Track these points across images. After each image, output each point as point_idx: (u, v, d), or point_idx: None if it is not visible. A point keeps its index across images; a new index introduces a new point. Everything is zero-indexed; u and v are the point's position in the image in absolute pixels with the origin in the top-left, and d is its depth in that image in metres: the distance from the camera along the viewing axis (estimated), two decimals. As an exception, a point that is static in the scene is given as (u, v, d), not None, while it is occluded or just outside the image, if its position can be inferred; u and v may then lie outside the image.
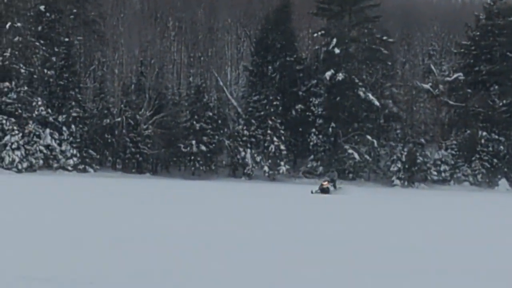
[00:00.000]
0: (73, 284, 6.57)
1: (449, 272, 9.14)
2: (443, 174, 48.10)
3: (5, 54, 48.27)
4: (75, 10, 52.10)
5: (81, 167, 47.64)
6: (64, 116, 47.99)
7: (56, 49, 48.66)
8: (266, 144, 47.73)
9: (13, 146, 47.16)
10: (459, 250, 12.31)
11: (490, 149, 48.02)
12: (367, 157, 48.25)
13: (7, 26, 48.70)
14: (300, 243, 11.82)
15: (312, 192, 32.20)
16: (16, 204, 19.13)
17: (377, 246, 12.05)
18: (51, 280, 6.58)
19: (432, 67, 52.51)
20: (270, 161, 47.60)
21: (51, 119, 48.15)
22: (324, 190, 32.67)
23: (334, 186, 34.38)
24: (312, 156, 48.52)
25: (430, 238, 14.42)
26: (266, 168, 47.42)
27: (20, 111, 47.41)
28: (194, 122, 47.82)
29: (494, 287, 8.24)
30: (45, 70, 48.68)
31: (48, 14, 49.41)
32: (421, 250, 11.80)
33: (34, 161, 47.81)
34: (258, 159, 47.69)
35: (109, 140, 48.14)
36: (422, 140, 50.05)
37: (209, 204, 24.76)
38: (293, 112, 49.18)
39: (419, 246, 12.35)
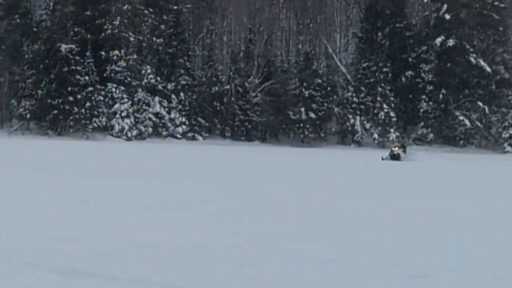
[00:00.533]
0: (182, 250, 6.59)
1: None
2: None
3: (114, 22, 49.10)
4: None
5: (190, 135, 48.37)
6: (173, 84, 48.57)
7: (164, 17, 49.23)
8: (375, 111, 47.52)
9: (123, 114, 48.05)
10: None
11: None
12: (478, 123, 47.54)
13: (116, -6, 49.35)
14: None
15: (382, 159, 30.03)
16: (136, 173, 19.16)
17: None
18: (160, 246, 6.68)
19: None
20: (379, 128, 47.42)
21: (160, 87, 48.86)
22: (394, 157, 30.31)
23: (405, 152, 31.93)
24: (422, 123, 48.13)
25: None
26: (375, 135, 47.27)
27: (129, 79, 48.13)
28: (303, 89, 47.87)
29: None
30: (154, 38, 49.34)
31: (155, -19, 49.75)
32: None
33: (143, 129, 48.65)
34: (367, 126, 47.56)
35: (218, 108, 48.64)
36: (535, 106, 48.90)
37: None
38: (403, 79, 48.63)
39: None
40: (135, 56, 48.46)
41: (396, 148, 31.70)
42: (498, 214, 11.83)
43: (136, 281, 5.04)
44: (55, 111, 46.54)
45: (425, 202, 13.50)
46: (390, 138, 47.19)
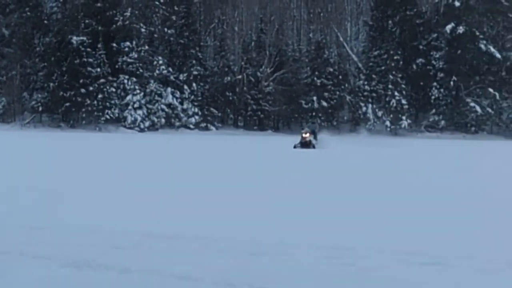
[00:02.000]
0: (196, 240, 6.52)
1: None
2: None
3: (125, 14, 49.01)
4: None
5: (203, 125, 48.44)
6: (185, 74, 48.71)
7: (176, 8, 49.22)
8: (387, 99, 47.75)
9: (135, 106, 48.13)
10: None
11: None
12: (489, 110, 47.82)
13: (127, -14, 49.25)
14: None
15: (294, 147, 27.27)
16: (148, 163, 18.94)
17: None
18: (176, 237, 6.66)
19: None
20: (391, 115, 47.65)
21: (172, 78, 48.97)
22: (305, 144, 27.21)
23: (315, 138, 28.57)
24: (433, 110, 48.37)
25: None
26: (387, 123, 47.51)
27: (141, 70, 48.19)
28: (315, 78, 48.09)
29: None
30: (165, 29, 49.39)
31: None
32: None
33: (156, 120, 48.67)
34: (379, 114, 47.74)
35: (231, 98, 48.83)
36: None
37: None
38: (414, 66, 48.84)
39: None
40: (146, 47, 48.58)
41: (307, 135, 27.61)
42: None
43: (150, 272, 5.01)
44: (67, 104, 46.64)
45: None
46: (402, 126, 47.58)
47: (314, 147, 27.31)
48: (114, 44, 47.84)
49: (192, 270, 5.00)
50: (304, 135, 27.77)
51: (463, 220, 8.24)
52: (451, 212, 9.05)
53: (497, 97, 47.67)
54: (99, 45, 46.91)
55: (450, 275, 5.04)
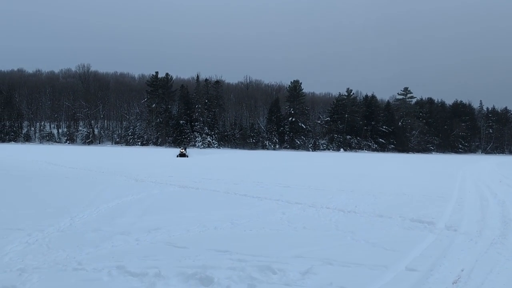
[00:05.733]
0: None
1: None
2: None
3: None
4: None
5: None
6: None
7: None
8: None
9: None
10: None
11: None
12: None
13: None
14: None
15: (177, 156, 49.15)
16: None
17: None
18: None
19: None
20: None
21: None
22: (183, 155, 49.68)
23: (186, 151, 54.30)
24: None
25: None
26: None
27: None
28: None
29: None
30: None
31: None
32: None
33: None
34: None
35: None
36: None
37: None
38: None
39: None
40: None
41: (183, 150, 52.27)
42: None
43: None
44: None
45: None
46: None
47: (187, 156, 49.67)
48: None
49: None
50: (181, 150, 51.68)
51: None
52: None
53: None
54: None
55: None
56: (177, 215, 11.65)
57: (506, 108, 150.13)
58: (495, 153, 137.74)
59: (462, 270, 7.38)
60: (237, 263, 7.28)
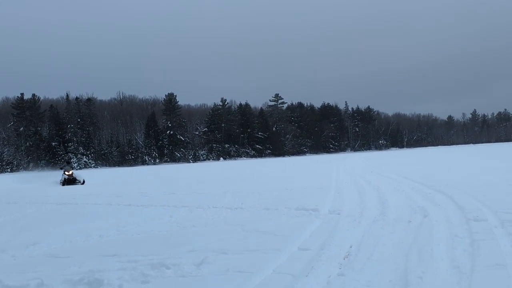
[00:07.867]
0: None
1: None
2: None
3: None
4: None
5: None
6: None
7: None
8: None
9: None
10: None
11: None
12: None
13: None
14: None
15: (62, 185, 31.39)
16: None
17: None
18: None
19: None
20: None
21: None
22: (71, 181, 32.02)
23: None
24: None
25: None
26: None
27: None
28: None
29: None
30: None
31: None
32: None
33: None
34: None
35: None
36: None
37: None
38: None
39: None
40: None
41: (70, 172, 32.54)
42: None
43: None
44: None
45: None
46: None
47: (81, 182, 32.14)
48: None
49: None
50: (67, 173, 32.51)
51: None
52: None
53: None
54: None
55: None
56: (57, 229, 11.01)
57: (369, 107, 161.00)
58: (362, 150, 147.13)
59: (351, 246, 7.73)
60: (127, 264, 7.01)
